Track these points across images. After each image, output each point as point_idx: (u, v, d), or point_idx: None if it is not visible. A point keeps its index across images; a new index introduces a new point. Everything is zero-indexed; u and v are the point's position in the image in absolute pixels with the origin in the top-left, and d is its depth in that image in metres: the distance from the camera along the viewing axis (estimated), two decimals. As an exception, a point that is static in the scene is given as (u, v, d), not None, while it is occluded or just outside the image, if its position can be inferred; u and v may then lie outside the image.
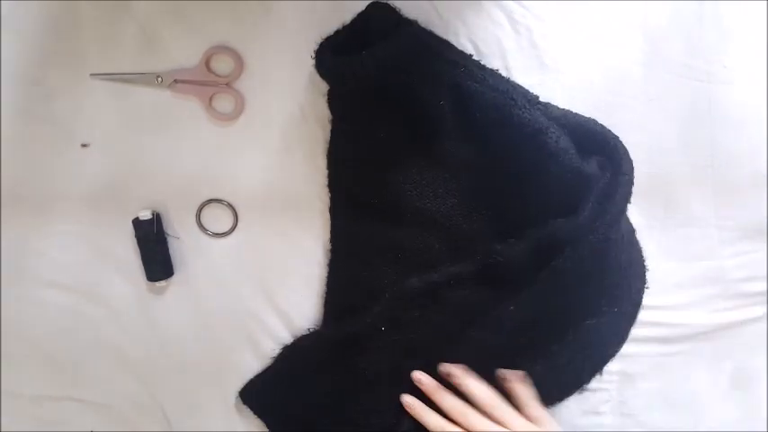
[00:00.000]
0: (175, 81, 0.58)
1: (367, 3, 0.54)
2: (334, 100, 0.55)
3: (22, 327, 0.63)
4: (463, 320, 0.54)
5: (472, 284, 0.54)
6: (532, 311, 0.52)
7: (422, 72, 0.52)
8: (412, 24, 0.54)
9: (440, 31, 0.56)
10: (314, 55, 0.53)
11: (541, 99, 0.56)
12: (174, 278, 0.61)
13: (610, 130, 0.54)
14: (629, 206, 0.53)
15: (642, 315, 0.61)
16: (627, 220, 0.59)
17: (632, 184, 0.52)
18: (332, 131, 0.57)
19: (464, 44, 0.57)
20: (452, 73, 0.53)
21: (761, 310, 0.65)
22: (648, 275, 0.62)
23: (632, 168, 0.52)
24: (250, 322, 0.62)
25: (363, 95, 0.53)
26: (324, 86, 0.55)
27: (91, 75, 0.58)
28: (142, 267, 0.61)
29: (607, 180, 0.52)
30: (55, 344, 0.63)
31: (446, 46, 0.55)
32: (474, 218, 0.56)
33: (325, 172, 0.58)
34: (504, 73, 0.57)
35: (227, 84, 0.58)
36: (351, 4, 0.54)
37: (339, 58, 0.51)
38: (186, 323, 0.62)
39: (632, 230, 0.59)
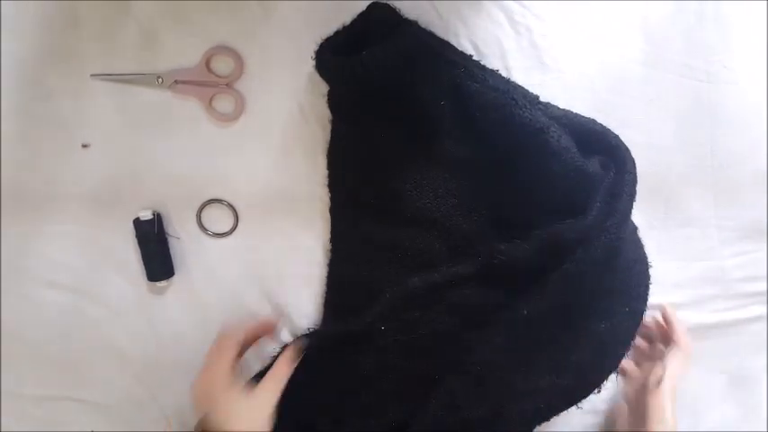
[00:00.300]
0: (176, 81, 0.58)
1: (367, 3, 0.54)
2: (334, 100, 0.55)
3: (22, 327, 0.63)
4: (465, 321, 0.54)
5: (474, 285, 0.54)
6: (545, 314, 0.52)
7: (422, 72, 0.52)
8: (412, 25, 0.54)
9: (440, 31, 0.56)
10: (314, 55, 0.53)
11: (542, 99, 0.56)
12: (175, 278, 0.61)
13: (610, 130, 0.54)
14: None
15: (643, 314, 0.61)
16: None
17: (636, 182, 0.52)
18: (332, 132, 0.57)
19: (464, 45, 0.57)
20: (453, 73, 0.53)
21: (761, 310, 0.65)
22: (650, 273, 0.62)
23: (635, 167, 0.52)
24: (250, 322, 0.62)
25: (364, 96, 0.53)
26: (324, 87, 0.55)
27: (91, 75, 0.58)
28: (142, 267, 0.61)
29: (612, 179, 0.52)
30: (55, 344, 0.63)
31: (446, 46, 0.55)
32: (474, 218, 0.56)
33: (326, 172, 0.58)
34: (504, 73, 0.57)
35: (227, 84, 0.58)
36: (351, 5, 0.54)
37: (339, 58, 0.51)
38: (186, 323, 0.62)
39: (635, 228, 0.59)
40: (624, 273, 0.55)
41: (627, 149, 0.53)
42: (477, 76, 0.53)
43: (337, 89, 0.54)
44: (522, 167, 0.53)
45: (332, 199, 0.58)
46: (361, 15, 0.53)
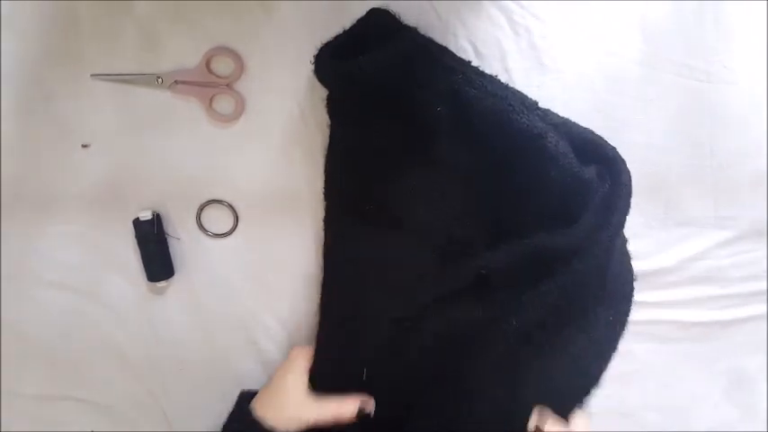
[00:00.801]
0: (176, 82, 0.58)
1: (367, 4, 0.53)
2: (332, 105, 0.55)
3: (22, 327, 0.63)
4: (455, 339, 0.53)
5: (463, 300, 0.53)
6: (536, 327, 0.51)
7: (420, 77, 0.52)
8: (411, 30, 0.53)
9: (439, 32, 0.56)
10: (313, 60, 0.52)
11: (541, 105, 0.55)
12: (175, 278, 0.61)
13: (608, 142, 0.54)
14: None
15: (641, 314, 0.61)
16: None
17: (631, 195, 0.52)
18: (330, 137, 0.56)
19: (463, 45, 0.57)
20: (451, 79, 0.52)
21: (759, 310, 0.65)
22: (647, 274, 0.62)
23: (630, 179, 0.52)
24: (249, 322, 0.62)
25: (362, 100, 0.53)
26: (323, 90, 0.55)
27: (91, 75, 0.58)
28: (142, 268, 0.61)
29: (606, 190, 0.51)
30: (55, 344, 0.63)
31: (445, 52, 0.55)
32: (470, 224, 0.55)
33: (326, 173, 0.58)
34: (503, 74, 0.57)
35: (227, 85, 0.58)
36: (351, 5, 0.54)
37: (337, 61, 0.51)
38: (186, 323, 0.62)
39: (625, 240, 0.59)
40: (612, 283, 0.55)
41: (623, 162, 0.53)
42: (476, 82, 0.52)
43: (336, 93, 0.54)
44: (520, 171, 0.53)
45: (326, 207, 0.57)
46: (361, 21, 0.53)
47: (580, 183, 0.51)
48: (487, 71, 0.56)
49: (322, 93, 0.55)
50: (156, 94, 0.59)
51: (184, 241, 0.61)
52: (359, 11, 0.53)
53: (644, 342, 0.63)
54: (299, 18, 0.57)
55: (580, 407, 0.55)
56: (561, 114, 0.55)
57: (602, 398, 0.62)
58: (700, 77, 0.60)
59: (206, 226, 0.61)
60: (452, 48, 0.56)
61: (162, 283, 0.61)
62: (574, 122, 0.55)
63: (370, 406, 0.54)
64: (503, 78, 0.56)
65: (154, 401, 0.64)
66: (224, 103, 0.59)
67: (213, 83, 0.58)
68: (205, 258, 0.61)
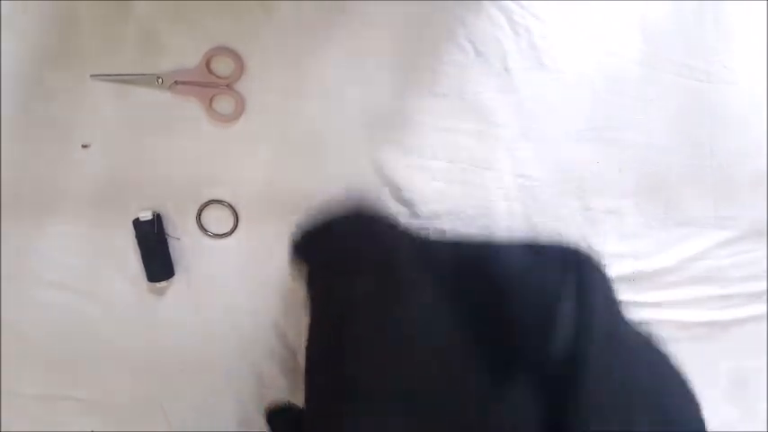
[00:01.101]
0: (176, 82, 0.58)
1: (365, 2, 0.53)
2: (315, 270, 0.54)
3: (22, 327, 0.63)
4: None
5: None
6: None
7: (390, 247, 0.52)
8: (372, 215, 0.54)
9: (438, 32, 0.56)
10: (291, 244, 0.55)
11: (541, 105, 0.54)
12: (175, 279, 0.61)
13: (568, 241, 0.52)
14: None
15: (641, 314, 0.61)
16: (633, 327, 0.53)
17: (607, 285, 0.49)
18: (312, 314, 0.52)
19: (463, 45, 0.57)
20: (413, 244, 0.53)
21: (759, 310, 0.65)
22: (647, 274, 0.62)
23: (599, 269, 0.49)
24: (249, 322, 0.62)
25: (348, 263, 0.52)
26: (324, 88, 0.55)
27: (91, 75, 0.58)
28: (143, 268, 0.61)
29: (574, 289, 0.47)
30: (55, 344, 0.63)
31: (403, 228, 0.55)
32: (466, 375, 0.48)
33: (326, 172, 0.58)
34: (503, 74, 0.57)
35: (227, 85, 0.58)
36: (350, 5, 0.54)
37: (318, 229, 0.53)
38: (186, 323, 0.62)
39: (648, 338, 0.54)
40: (650, 387, 0.51)
41: (585, 254, 0.50)
42: (433, 241, 0.54)
43: (321, 257, 0.54)
44: (500, 295, 0.48)
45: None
46: (327, 231, 0.54)
47: (548, 288, 0.48)
48: (487, 71, 0.56)
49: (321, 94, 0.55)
50: (156, 94, 0.59)
51: (184, 241, 0.61)
52: (358, 11, 0.53)
53: (644, 342, 0.63)
54: (299, 18, 0.57)
55: None
56: (561, 114, 0.55)
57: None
58: (700, 77, 0.60)
59: (206, 226, 0.61)
60: (452, 47, 0.56)
61: (162, 283, 0.61)
62: (531, 238, 0.55)
63: None
64: (503, 78, 0.57)
65: (154, 401, 0.64)
66: (224, 103, 0.59)
67: (213, 83, 0.58)
68: (205, 258, 0.61)
